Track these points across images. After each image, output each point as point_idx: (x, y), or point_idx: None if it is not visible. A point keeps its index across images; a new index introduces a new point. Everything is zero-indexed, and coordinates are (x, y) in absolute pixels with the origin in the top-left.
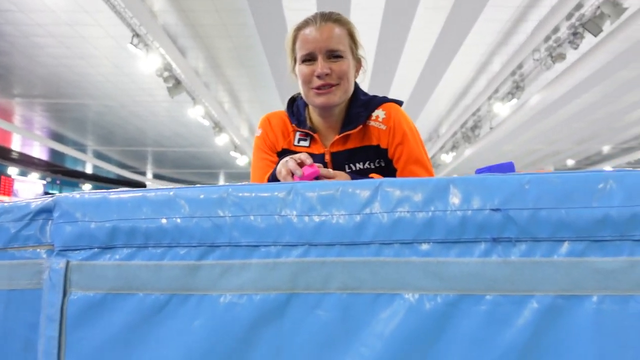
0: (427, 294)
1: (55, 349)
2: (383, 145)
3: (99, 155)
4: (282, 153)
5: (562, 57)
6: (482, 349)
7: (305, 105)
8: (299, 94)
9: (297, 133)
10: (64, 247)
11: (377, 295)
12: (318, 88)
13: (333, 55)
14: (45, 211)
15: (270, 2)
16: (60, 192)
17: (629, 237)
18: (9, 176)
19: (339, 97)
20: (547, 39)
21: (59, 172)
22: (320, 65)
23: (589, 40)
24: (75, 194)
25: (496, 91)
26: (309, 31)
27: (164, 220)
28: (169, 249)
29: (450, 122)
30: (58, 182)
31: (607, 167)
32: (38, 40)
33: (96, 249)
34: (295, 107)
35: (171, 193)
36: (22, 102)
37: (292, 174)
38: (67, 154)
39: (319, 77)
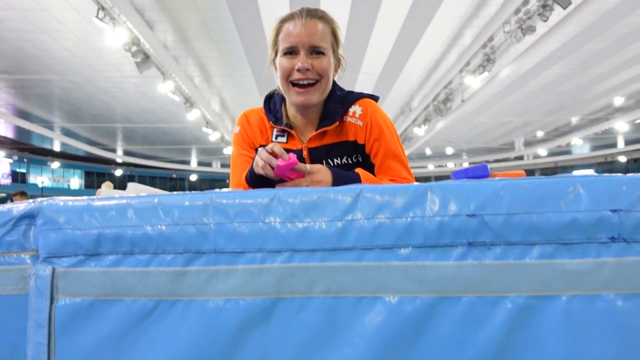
0: (407, 296)
1: (45, 355)
2: (360, 141)
3: (67, 133)
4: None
5: (531, 29)
6: (460, 348)
7: (282, 101)
8: (275, 90)
9: (275, 129)
10: (49, 254)
11: (359, 298)
12: (297, 84)
13: (315, 51)
14: (28, 217)
15: None
16: (28, 170)
17: (595, 240)
18: None
19: (318, 96)
20: (517, 11)
21: (26, 149)
22: (302, 60)
23: (558, 13)
24: (59, 201)
25: (467, 64)
26: (293, 25)
27: (149, 228)
28: (155, 255)
29: (422, 95)
30: (25, 160)
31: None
32: None
33: (82, 256)
34: (272, 104)
35: (156, 200)
36: None
37: (270, 165)
38: (34, 131)
39: (299, 70)
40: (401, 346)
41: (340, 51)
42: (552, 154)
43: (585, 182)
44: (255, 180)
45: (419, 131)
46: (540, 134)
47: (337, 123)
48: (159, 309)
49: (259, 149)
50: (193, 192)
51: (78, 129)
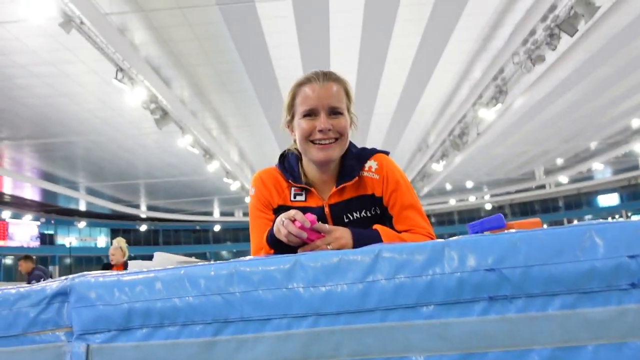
0: (433, 355)
1: None
2: (377, 194)
3: (91, 192)
4: (279, 209)
5: (541, 59)
6: None
7: (297, 160)
8: (288, 150)
9: (293, 189)
10: (83, 330)
11: (386, 359)
12: (319, 142)
13: (334, 112)
14: (61, 294)
15: (250, 27)
16: (56, 231)
17: (615, 287)
18: (3, 220)
19: (338, 152)
20: (525, 42)
21: (53, 211)
22: (323, 121)
23: (566, 41)
24: (90, 277)
25: (480, 97)
26: (311, 89)
27: (177, 300)
28: (184, 326)
29: (438, 131)
30: (52, 221)
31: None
32: (21, 82)
33: (114, 331)
34: (287, 163)
35: (182, 272)
36: (10, 145)
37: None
38: (60, 192)
39: (321, 131)
40: None
41: (352, 109)
42: (573, 180)
43: (600, 230)
44: (277, 243)
45: (438, 167)
46: (560, 161)
47: (357, 178)
48: None
49: (283, 218)
50: (217, 262)
51: (102, 187)
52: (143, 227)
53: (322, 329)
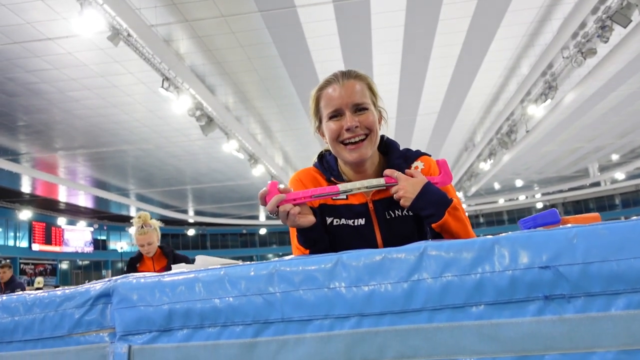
0: (485, 357)
1: None
2: None
3: (141, 198)
4: (321, 210)
5: (592, 52)
6: None
7: (336, 159)
8: (327, 150)
9: None
10: (125, 331)
11: None
12: (349, 142)
13: (358, 108)
14: (105, 296)
15: (291, 32)
16: (108, 237)
17: None
18: (59, 227)
19: (370, 149)
20: (575, 35)
21: (105, 217)
22: (349, 119)
23: (618, 32)
24: (132, 279)
25: (528, 94)
26: (332, 89)
27: (217, 300)
28: (224, 327)
29: (485, 129)
30: (105, 227)
31: None
32: (74, 94)
33: (155, 332)
34: (326, 163)
35: (222, 272)
36: (64, 155)
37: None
38: (111, 199)
39: (348, 130)
40: None
41: (379, 103)
42: (631, 177)
43: None
44: (306, 238)
45: (485, 166)
46: (615, 157)
47: None
48: None
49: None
50: (258, 262)
51: (151, 193)
52: (191, 232)
53: (365, 330)
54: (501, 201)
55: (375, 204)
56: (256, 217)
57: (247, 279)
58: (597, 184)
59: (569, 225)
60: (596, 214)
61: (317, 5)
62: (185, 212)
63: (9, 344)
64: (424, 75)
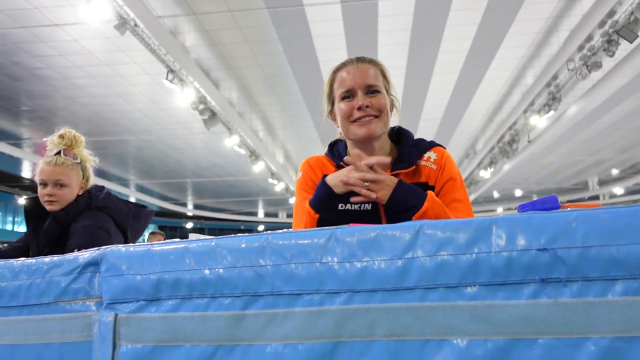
0: (477, 339)
1: None
2: (431, 183)
3: (141, 189)
4: None
5: (598, 65)
6: None
7: (346, 148)
8: (338, 139)
9: None
10: (112, 300)
11: (424, 341)
12: (359, 119)
13: (371, 90)
14: (93, 264)
15: (298, 30)
16: None
17: None
18: None
19: (380, 128)
20: (581, 48)
21: None
22: (361, 98)
23: (625, 47)
24: (121, 247)
25: (532, 104)
26: (346, 71)
27: (206, 271)
28: (213, 299)
29: (487, 137)
30: None
31: None
32: (78, 82)
33: (143, 301)
34: (336, 151)
35: (213, 243)
36: None
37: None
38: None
39: (359, 109)
40: None
41: (392, 92)
42: (630, 192)
43: None
44: (321, 204)
45: (485, 174)
46: (615, 172)
47: (414, 167)
48: (218, 354)
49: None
50: (250, 234)
51: (151, 185)
52: (189, 225)
53: (356, 306)
54: (499, 210)
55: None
56: (255, 214)
57: (238, 250)
58: (596, 197)
59: (569, 209)
60: (597, 202)
61: (325, 5)
62: (184, 205)
63: None
64: (428, 80)
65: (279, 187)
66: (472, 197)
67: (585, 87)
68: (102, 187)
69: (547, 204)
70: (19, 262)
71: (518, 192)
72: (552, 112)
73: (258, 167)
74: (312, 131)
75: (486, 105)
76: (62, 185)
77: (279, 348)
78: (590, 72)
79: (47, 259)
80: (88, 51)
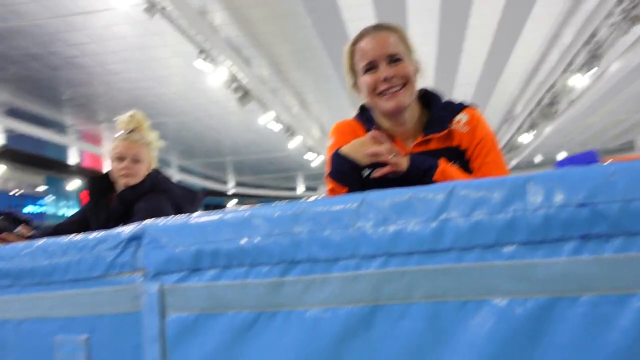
0: (517, 298)
1: None
2: (463, 146)
3: (183, 169)
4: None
5: (639, 18)
6: (582, 355)
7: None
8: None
9: None
10: (156, 271)
11: (463, 302)
12: (386, 92)
13: (393, 59)
14: (135, 238)
15: (326, 2)
16: None
17: None
18: None
19: (408, 97)
20: (620, 1)
21: None
22: (384, 70)
23: None
24: (160, 221)
25: (570, 63)
26: (365, 43)
27: (243, 241)
28: (251, 267)
29: (525, 101)
30: None
31: None
32: (113, 68)
33: (185, 272)
34: (367, 115)
35: (247, 214)
36: (107, 127)
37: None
38: None
39: (384, 80)
40: (515, 353)
41: (414, 56)
42: None
43: None
44: (342, 174)
45: (525, 138)
46: None
47: (446, 130)
48: (260, 320)
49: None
50: (283, 202)
51: (193, 165)
52: (232, 203)
53: (392, 269)
54: None
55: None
56: (294, 189)
57: (273, 219)
58: None
59: (608, 162)
60: (638, 154)
61: None
62: (225, 183)
63: (48, 285)
64: (461, 45)
65: (316, 161)
66: (512, 164)
67: (627, 42)
68: (160, 171)
69: (586, 158)
70: (67, 239)
71: (561, 155)
72: (592, 71)
73: (294, 143)
74: (346, 103)
75: (523, 67)
76: (137, 161)
77: (318, 313)
78: (632, 26)
79: (92, 235)
80: (120, 37)
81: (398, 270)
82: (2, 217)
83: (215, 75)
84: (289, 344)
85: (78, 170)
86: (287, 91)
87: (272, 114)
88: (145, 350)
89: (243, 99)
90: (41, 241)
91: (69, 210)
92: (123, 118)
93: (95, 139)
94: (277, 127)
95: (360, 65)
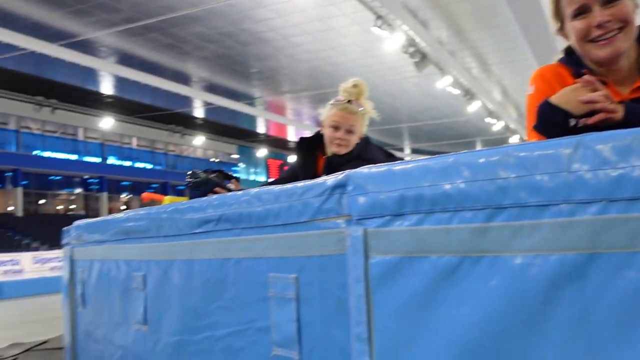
0: None
1: (364, 306)
2: None
3: None
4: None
5: None
6: None
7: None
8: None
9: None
10: (360, 216)
11: None
12: (598, 39)
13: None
14: (340, 186)
15: None
16: None
17: None
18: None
19: (626, 42)
20: None
21: None
22: (599, 14)
23: None
24: (364, 169)
25: None
26: None
27: (447, 186)
28: (455, 213)
29: None
30: None
31: None
32: (296, 40)
33: (388, 217)
34: (575, 57)
35: (451, 160)
36: (291, 98)
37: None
38: None
39: (599, 26)
40: None
41: None
42: None
43: None
44: (554, 126)
45: None
46: None
47: None
48: (464, 265)
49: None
50: (487, 148)
51: (369, 132)
52: None
53: (613, 216)
54: None
55: (633, 102)
56: None
57: (477, 165)
58: None
59: None
60: None
61: None
62: (401, 149)
63: (262, 228)
64: None
65: (497, 126)
66: None
67: None
68: (369, 139)
69: None
70: (278, 188)
71: None
72: None
73: (473, 107)
74: (532, 63)
75: None
76: (351, 132)
77: (527, 259)
78: None
79: (300, 184)
80: (301, 9)
81: (620, 217)
82: (216, 173)
83: (392, 41)
84: (494, 290)
85: (265, 139)
86: (466, 53)
87: (450, 77)
88: (350, 289)
89: (420, 63)
90: (256, 189)
91: (257, 177)
92: (346, 86)
93: (279, 109)
94: (455, 91)
95: (569, 10)
